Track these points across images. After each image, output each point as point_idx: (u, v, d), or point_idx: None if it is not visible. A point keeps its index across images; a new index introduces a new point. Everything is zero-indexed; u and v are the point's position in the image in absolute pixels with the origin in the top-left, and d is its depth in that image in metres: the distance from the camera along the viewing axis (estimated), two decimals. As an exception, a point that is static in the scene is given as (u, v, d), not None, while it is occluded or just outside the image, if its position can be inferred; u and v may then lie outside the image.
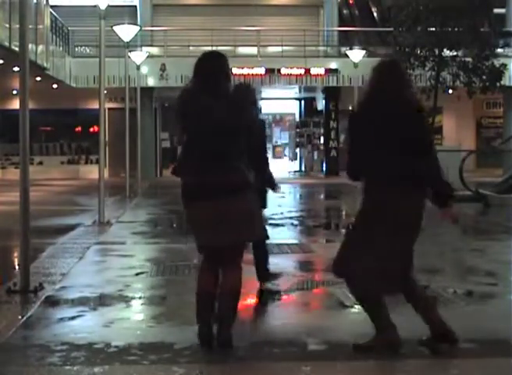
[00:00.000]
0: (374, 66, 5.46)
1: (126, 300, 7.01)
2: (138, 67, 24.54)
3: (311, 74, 29.66)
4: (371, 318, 5.23)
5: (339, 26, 32.67)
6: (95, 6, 14.23)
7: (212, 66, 5.35)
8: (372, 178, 5.24)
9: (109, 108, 26.36)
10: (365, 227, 5.26)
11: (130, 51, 23.14)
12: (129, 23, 21.06)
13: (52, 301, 6.91)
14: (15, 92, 24.87)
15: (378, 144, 5.17)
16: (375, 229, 5.19)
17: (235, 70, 28.71)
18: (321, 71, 29.76)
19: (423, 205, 5.22)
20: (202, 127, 5.23)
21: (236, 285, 5.31)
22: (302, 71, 29.52)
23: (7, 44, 17.79)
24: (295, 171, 33.95)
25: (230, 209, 5.20)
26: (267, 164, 7.31)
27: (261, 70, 29.40)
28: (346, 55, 27.03)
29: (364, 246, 5.20)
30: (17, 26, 7.85)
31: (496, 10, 28.29)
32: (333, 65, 30.07)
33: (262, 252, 7.42)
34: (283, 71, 29.43)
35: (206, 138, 5.22)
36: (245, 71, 29.19)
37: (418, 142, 5.19)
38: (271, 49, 30.96)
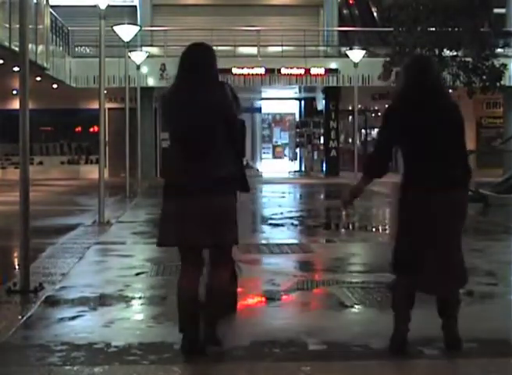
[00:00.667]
0: (409, 61, 5.43)
1: (126, 300, 7.01)
2: (138, 67, 24.56)
3: (311, 74, 29.66)
4: (394, 314, 5.26)
5: (339, 26, 32.67)
6: (95, 6, 14.23)
7: (198, 58, 5.16)
8: (420, 178, 5.15)
9: (109, 108, 26.37)
10: (417, 227, 5.18)
11: (130, 51, 23.16)
12: (129, 23, 21.09)
13: (52, 301, 6.91)
14: (15, 92, 24.87)
15: (427, 141, 5.12)
16: (425, 228, 5.15)
17: (235, 70, 28.79)
18: (321, 71, 29.76)
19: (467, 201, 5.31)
20: (186, 125, 5.09)
21: (221, 285, 5.18)
22: (302, 71, 29.52)
23: (7, 44, 17.80)
24: (295, 171, 33.97)
25: (215, 208, 5.04)
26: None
27: (261, 70, 29.40)
28: (346, 55, 27.04)
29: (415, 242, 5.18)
30: (17, 26, 7.84)
31: (496, 10, 28.30)
32: (333, 65, 30.07)
33: None
34: (283, 71, 29.43)
35: (191, 136, 5.07)
36: (245, 71, 29.21)
37: (462, 135, 5.29)
38: (271, 49, 30.97)
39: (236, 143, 5.25)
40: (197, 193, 5.04)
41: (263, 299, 7.19)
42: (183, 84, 5.18)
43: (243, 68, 29.13)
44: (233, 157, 5.22)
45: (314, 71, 29.64)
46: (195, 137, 5.07)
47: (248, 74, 29.31)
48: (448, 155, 5.17)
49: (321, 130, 32.70)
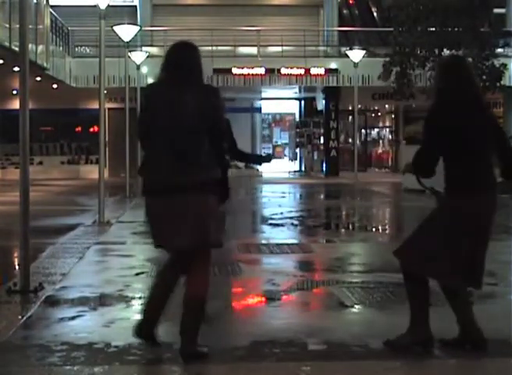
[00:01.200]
0: (447, 63, 5.46)
1: (126, 300, 7.01)
2: (138, 67, 24.55)
3: (311, 74, 29.67)
4: (411, 310, 5.24)
5: (339, 26, 32.69)
6: (95, 6, 14.23)
7: (182, 58, 5.11)
8: (466, 180, 5.22)
9: (109, 108, 26.37)
10: (444, 225, 5.20)
11: (130, 51, 23.16)
12: (129, 23, 21.09)
13: (52, 301, 6.91)
14: (15, 92, 24.87)
15: (470, 144, 5.14)
16: (453, 228, 5.19)
17: (235, 70, 28.80)
18: (321, 71, 29.77)
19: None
20: (165, 123, 5.04)
21: (199, 294, 5.02)
22: (302, 71, 29.53)
23: (7, 44, 17.82)
24: (295, 171, 33.96)
25: (186, 210, 4.93)
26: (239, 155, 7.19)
27: (261, 70, 29.42)
28: (346, 55, 27.06)
29: (431, 239, 5.18)
30: (17, 26, 7.84)
31: (496, 10, 28.30)
32: (333, 65, 30.09)
33: None
34: (283, 71, 29.44)
35: (169, 135, 5.02)
36: (245, 71, 29.22)
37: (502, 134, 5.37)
38: (271, 49, 30.98)
39: (220, 143, 5.16)
40: (174, 192, 4.95)
41: (263, 299, 7.19)
42: (169, 82, 5.11)
43: (243, 68, 29.14)
44: (216, 157, 5.10)
45: (314, 71, 29.65)
46: (179, 135, 4.99)
47: (248, 74, 29.32)
48: (490, 155, 5.26)
49: (321, 130, 32.72)
